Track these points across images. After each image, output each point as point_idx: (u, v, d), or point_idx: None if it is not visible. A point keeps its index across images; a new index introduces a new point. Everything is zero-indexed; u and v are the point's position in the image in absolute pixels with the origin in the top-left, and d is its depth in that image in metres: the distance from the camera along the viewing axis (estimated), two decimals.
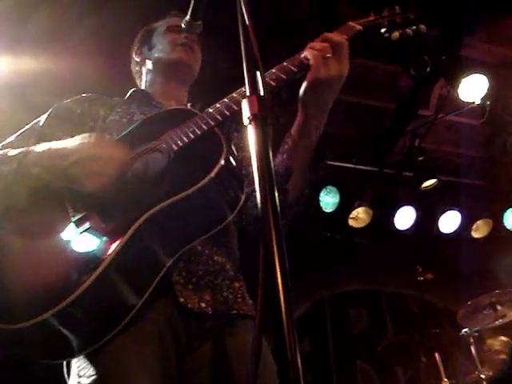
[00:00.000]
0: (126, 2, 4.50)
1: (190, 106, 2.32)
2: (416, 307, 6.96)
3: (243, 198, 1.79)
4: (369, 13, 2.09)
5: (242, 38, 1.39)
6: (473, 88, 5.60)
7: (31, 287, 1.58)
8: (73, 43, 4.57)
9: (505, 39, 5.71)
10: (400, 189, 7.02)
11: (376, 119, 6.49)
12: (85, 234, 1.62)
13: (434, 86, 6.13)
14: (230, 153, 1.77)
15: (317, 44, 1.87)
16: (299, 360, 1.08)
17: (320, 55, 1.83)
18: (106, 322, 1.62)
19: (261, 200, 1.20)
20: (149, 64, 2.44)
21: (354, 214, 6.79)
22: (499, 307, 5.13)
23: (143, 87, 2.45)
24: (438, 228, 7.14)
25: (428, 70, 5.44)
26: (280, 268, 1.14)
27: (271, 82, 1.86)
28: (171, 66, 2.37)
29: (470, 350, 5.01)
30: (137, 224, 1.61)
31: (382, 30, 2.05)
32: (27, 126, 2.09)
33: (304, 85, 1.87)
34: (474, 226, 7.25)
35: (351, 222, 6.85)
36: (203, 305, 1.78)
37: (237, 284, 1.92)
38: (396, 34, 2.02)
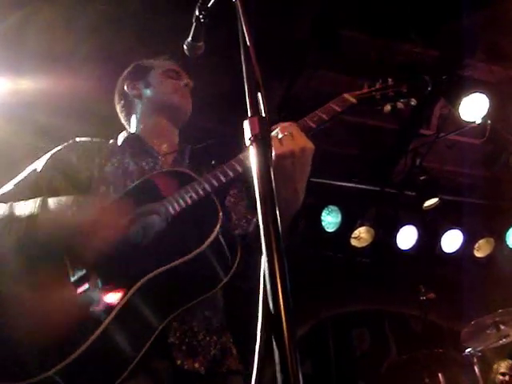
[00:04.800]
0: (125, 23, 4.55)
1: (179, 145, 2.41)
2: (419, 327, 6.91)
3: (236, 262, 1.86)
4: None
5: (243, 59, 1.40)
6: (473, 107, 5.62)
7: (35, 344, 1.65)
8: (72, 64, 4.60)
9: (504, 58, 5.74)
10: (402, 208, 7.02)
11: (377, 139, 6.50)
12: (84, 294, 1.72)
13: (435, 106, 6.15)
14: (225, 219, 1.86)
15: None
16: (301, 381, 1.08)
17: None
18: (104, 378, 1.71)
19: (263, 221, 1.20)
20: (144, 101, 2.45)
21: (355, 233, 6.79)
22: (502, 327, 5.11)
23: (133, 124, 2.46)
24: (440, 247, 7.13)
25: (429, 89, 5.47)
26: (282, 289, 1.14)
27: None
28: (171, 109, 2.41)
29: (474, 370, 4.97)
30: (132, 291, 1.70)
31: (375, 102, 2.12)
32: (23, 174, 2.15)
33: None
34: (477, 246, 7.24)
35: (353, 242, 6.84)
36: (197, 365, 1.88)
37: (224, 338, 2.04)
38: (388, 108, 2.10)
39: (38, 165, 2.17)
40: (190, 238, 1.77)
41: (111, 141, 2.39)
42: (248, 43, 1.41)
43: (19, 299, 1.73)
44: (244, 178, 1.95)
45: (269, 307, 1.15)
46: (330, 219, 6.49)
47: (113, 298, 1.69)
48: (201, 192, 1.86)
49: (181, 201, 1.85)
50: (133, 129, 2.45)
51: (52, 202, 1.88)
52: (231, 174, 1.90)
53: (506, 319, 5.11)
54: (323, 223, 6.45)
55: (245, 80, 1.35)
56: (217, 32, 2.26)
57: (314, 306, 6.99)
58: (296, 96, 5.61)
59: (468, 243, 7.20)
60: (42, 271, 1.76)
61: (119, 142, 2.35)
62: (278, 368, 1.11)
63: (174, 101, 2.40)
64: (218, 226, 1.75)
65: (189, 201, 1.84)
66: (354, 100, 2.08)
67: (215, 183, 1.88)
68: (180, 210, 1.84)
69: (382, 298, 7.51)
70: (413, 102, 2.11)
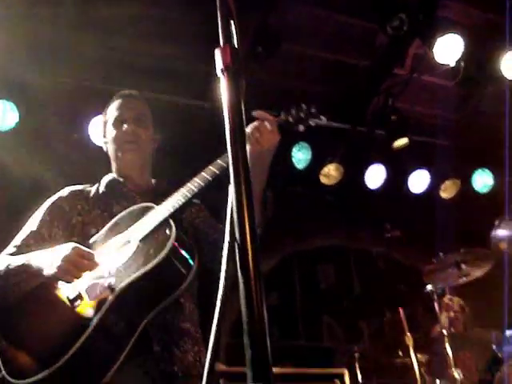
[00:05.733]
0: None
1: (155, 181, 2.80)
2: (383, 264, 7.06)
3: (194, 267, 2.27)
4: None
5: None
6: (448, 49, 5.61)
7: (37, 349, 2.26)
8: None
9: (482, 0, 5.70)
10: (371, 147, 7.05)
11: (351, 76, 6.47)
12: (78, 308, 2.24)
13: (410, 46, 6.12)
14: (181, 233, 2.29)
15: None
16: (265, 313, 1.11)
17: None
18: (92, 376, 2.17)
19: (232, 151, 1.21)
20: (108, 152, 2.78)
21: (325, 170, 6.82)
22: (463, 266, 5.22)
23: (113, 168, 2.76)
24: (407, 187, 7.22)
25: (405, 28, 5.43)
26: (249, 220, 1.16)
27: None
28: (121, 163, 2.71)
29: (434, 307, 5.11)
30: (110, 301, 2.17)
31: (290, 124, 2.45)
32: (26, 231, 2.57)
33: None
34: (443, 186, 7.33)
35: (322, 179, 6.88)
36: (175, 368, 2.32)
37: (196, 348, 2.43)
38: (301, 127, 2.46)
39: (38, 216, 2.60)
40: (152, 256, 2.20)
41: (96, 185, 2.74)
42: None
43: (36, 316, 2.35)
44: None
45: (235, 238, 1.17)
46: (301, 156, 6.50)
47: (98, 308, 2.18)
48: (160, 217, 2.28)
49: (146, 227, 2.30)
50: (114, 171, 2.76)
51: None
52: (182, 200, 2.30)
53: (468, 259, 5.21)
54: (293, 160, 6.46)
55: (218, 8, 1.32)
56: None
57: (281, 241, 7.09)
58: (271, 30, 5.52)
59: (434, 184, 7.29)
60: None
61: (102, 188, 2.70)
62: (242, 296, 1.13)
63: (119, 155, 2.69)
64: (170, 243, 2.17)
65: (151, 226, 2.28)
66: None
67: (171, 210, 2.29)
68: (145, 233, 2.28)
69: (348, 234, 7.63)
70: (322, 119, 2.47)
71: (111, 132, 2.70)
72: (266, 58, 5.49)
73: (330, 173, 6.85)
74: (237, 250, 1.16)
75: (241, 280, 1.13)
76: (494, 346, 4.97)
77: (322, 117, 2.48)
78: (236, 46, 1.31)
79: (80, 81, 5.48)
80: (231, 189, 1.21)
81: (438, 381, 5.05)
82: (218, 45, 1.31)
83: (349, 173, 6.91)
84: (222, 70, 1.28)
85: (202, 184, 2.30)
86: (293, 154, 6.45)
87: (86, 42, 5.14)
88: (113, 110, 2.76)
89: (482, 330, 5.51)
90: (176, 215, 2.30)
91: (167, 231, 2.22)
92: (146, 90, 5.51)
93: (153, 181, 2.81)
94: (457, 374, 4.68)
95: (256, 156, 2.29)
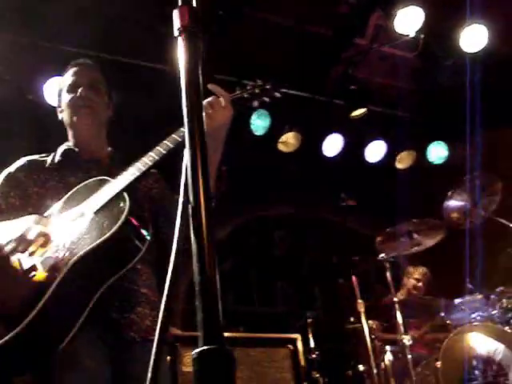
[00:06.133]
0: None
1: (111, 150, 2.80)
2: (338, 232, 7.14)
3: (148, 240, 2.31)
4: None
5: None
6: (408, 20, 5.64)
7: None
8: None
9: None
10: (330, 116, 7.08)
11: (312, 45, 6.45)
12: (34, 278, 2.25)
13: (371, 16, 6.12)
14: (136, 206, 2.33)
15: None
16: (217, 275, 1.12)
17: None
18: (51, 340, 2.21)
19: (187, 111, 1.20)
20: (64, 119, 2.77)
21: (283, 138, 6.82)
22: (415, 235, 5.34)
23: (69, 136, 2.76)
24: (364, 157, 7.29)
25: None
26: (203, 181, 1.15)
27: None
28: (76, 129, 2.71)
29: (386, 275, 5.21)
30: (64, 272, 2.19)
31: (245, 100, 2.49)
32: None
33: None
34: (399, 157, 7.42)
35: (281, 147, 6.89)
36: (133, 334, 2.38)
37: (154, 313, 2.46)
38: (255, 103, 2.51)
39: None
40: (107, 227, 2.23)
41: (52, 154, 2.73)
42: None
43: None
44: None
45: (189, 199, 1.17)
46: (259, 123, 6.48)
47: (53, 275, 2.21)
48: (116, 190, 2.30)
49: (100, 200, 2.32)
50: (69, 139, 2.76)
51: None
52: (137, 173, 2.31)
53: (420, 228, 5.34)
54: (252, 126, 6.44)
55: None
56: None
57: (238, 208, 7.11)
58: None
59: (390, 154, 7.37)
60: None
61: (57, 157, 2.69)
62: (194, 258, 1.13)
63: (74, 121, 2.69)
64: (124, 216, 2.21)
65: (106, 198, 2.30)
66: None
67: (127, 182, 2.30)
68: (100, 206, 2.30)
69: (304, 202, 7.68)
70: (277, 95, 2.52)
71: (66, 98, 2.71)
72: (226, 23, 5.42)
73: (289, 141, 6.85)
74: (190, 212, 1.16)
75: (193, 241, 1.13)
76: (442, 314, 5.12)
77: (277, 93, 2.52)
78: (195, 6, 1.29)
79: (37, 40, 5.33)
80: (186, 152, 1.20)
81: (387, 347, 5.19)
82: (176, 5, 1.29)
83: (307, 141, 6.93)
84: (179, 30, 1.26)
85: (157, 158, 2.32)
86: (252, 121, 6.43)
87: (46, 2, 4.99)
88: (67, 77, 2.77)
89: (432, 297, 5.66)
90: (131, 188, 2.33)
91: (121, 204, 2.26)
92: (104, 53, 5.44)
93: (109, 149, 2.81)
94: (406, 340, 4.81)
95: (209, 132, 2.25)
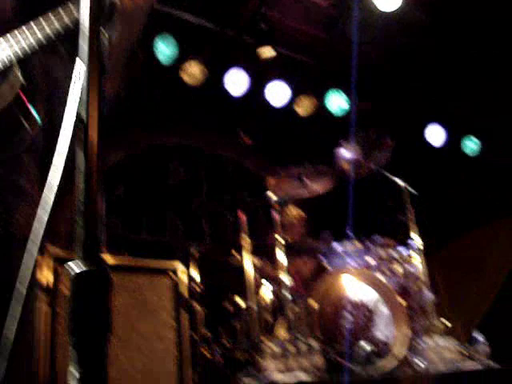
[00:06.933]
0: None
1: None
2: (232, 170, 7.20)
3: (40, 124, 2.17)
4: None
5: None
6: None
7: None
8: None
9: None
10: (237, 52, 7.01)
11: None
12: None
13: None
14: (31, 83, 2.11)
15: None
16: (101, 194, 1.10)
17: None
18: None
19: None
20: None
21: (186, 66, 6.66)
22: (305, 179, 5.43)
23: None
24: (265, 98, 7.31)
25: None
26: (97, 97, 1.13)
27: None
28: None
29: (273, 215, 5.30)
30: None
31: None
32: None
33: None
34: (299, 102, 7.49)
35: (185, 77, 6.75)
36: (12, 229, 2.33)
37: (32, 209, 2.35)
38: None
39: None
40: None
41: None
42: None
43: None
44: None
45: (81, 116, 1.13)
46: (164, 48, 6.27)
47: None
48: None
49: None
50: None
51: None
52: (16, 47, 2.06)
53: (310, 173, 5.44)
54: (158, 54, 6.25)
55: None
56: None
57: (135, 135, 6.99)
58: None
59: (292, 98, 7.43)
60: None
61: None
62: (80, 175, 1.10)
63: None
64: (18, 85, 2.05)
65: None
66: None
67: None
68: None
69: (203, 137, 7.67)
70: None
71: None
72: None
73: (193, 72, 6.73)
74: (82, 128, 1.12)
75: (82, 158, 1.10)
76: (321, 257, 5.31)
77: None
78: None
79: None
80: (83, 72, 1.16)
81: (266, 283, 5.36)
82: None
83: (211, 75, 6.85)
84: None
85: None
86: (156, 45, 6.21)
87: None
88: None
89: (313, 240, 5.83)
90: (22, 60, 2.09)
91: (12, 77, 2.05)
92: None
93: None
94: (286, 280, 4.96)
95: (126, 13, 2.14)
